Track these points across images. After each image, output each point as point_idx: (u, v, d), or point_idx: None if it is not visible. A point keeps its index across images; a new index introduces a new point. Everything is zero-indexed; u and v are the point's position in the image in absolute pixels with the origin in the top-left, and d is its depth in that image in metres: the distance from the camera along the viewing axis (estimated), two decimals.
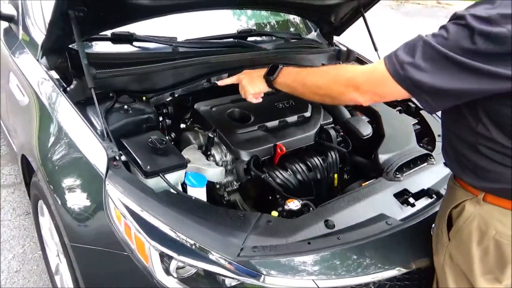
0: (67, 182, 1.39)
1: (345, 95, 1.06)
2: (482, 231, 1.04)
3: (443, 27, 0.88)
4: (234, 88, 1.88)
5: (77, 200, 1.34)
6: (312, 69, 1.22)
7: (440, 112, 1.11)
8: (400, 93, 0.94)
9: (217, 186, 1.53)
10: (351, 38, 2.53)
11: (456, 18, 0.86)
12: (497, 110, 0.92)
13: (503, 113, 0.91)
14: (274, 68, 1.29)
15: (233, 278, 1.12)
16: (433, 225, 1.31)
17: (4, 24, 2.02)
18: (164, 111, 1.68)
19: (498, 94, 0.87)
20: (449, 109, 1.07)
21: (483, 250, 1.05)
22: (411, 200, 1.42)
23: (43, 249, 1.90)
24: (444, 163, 1.18)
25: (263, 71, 1.33)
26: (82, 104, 1.48)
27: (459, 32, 0.83)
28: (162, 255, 1.13)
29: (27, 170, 1.82)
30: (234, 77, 1.45)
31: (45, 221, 1.72)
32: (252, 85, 1.35)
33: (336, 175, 1.65)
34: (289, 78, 1.25)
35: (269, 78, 1.29)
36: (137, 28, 1.72)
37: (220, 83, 1.52)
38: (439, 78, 0.86)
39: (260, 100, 1.41)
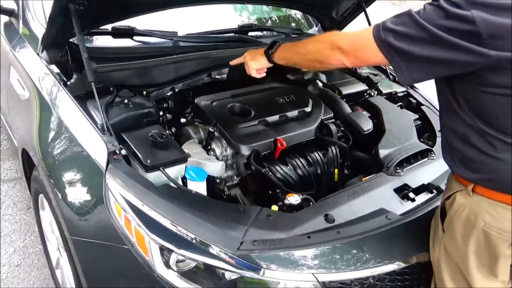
0: (68, 176, 1.39)
1: (331, 57, 1.13)
2: (471, 223, 1.06)
3: (423, 7, 0.97)
4: (234, 83, 1.90)
5: (78, 194, 1.34)
6: (304, 39, 1.29)
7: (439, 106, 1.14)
8: (379, 57, 1.01)
9: (218, 180, 1.53)
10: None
11: (433, 0, 0.97)
12: (473, 96, 0.97)
13: (479, 99, 0.96)
14: (273, 44, 1.39)
15: (233, 271, 1.12)
16: (433, 219, 1.31)
17: (5, 18, 2.01)
18: (165, 106, 1.68)
19: (466, 77, 0.95)
20: (439, 98, 1.11)
21: (475, 243, 1.06)
22: (411, 195, 1.42)
23: (44, 243, 1.90)
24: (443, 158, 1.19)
25: (263, 49, 1.42)
26: (82, 98, 1.48)
27: (433, 10, 0.94)
28: (162, 249, 1.14)
29: (28, 164, 1.82)
30: (241, 57, 1.52)
31: (46, 215, 1.72)
32: (255, 61, 1.43)
33: (336, 170, 1.65)
34: (285, 50, 1.35)
35: (268, 53, 1.38)
36: (137, 22, 1.72)
37: (232, 63, 1.59)
38: (412, 45, 0.95)
39: (264, 75, 1.50)
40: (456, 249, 1.12)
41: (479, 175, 1.03)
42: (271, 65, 1.41)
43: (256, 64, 1.43)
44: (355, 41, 1.09)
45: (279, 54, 1.36)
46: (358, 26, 2.27)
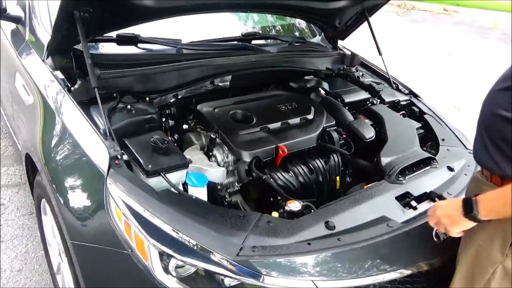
0: (70, 181, 1.40)
1: None
2: None
3: None
4: (237, 90, 1.91)
5: (79, 199, 1.35)
6: None
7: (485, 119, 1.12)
8: None
9: (219, 187, 1.53)
10: (358, 42, 2.53)
11: None
12: None
13: None
14: (469, 203, 1.13)
15: (232, 277, 1.12)
16: (435, 231, 1.29)
17: (12, 25, 2.04)
18: (167, 112, 1.69)
19: None
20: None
21: None
22: (413, 203, 1.41)
23: (45, 248, 1.91)
24: (494, 170, 1.12)
25: (456, 205, 1.15)
26: (86, 104, 1.50)
27: None
28: (161, 254, 1.14)
29: (31, 169, 1.83)
30: (432, 216, 1.23)
31: (48, 220, 1.73)
32: (455, 226, 1.18)
33: (338, 178, 1.65)
34: (496, 202, 1.09)
35: (473, 216, 1.12)
36: (142, 30, 1.74)
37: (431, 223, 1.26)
38: None
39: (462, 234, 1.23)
40: None
41: None
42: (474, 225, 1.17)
43: (458, 228, 1.18)
44: None
45: (488, 209, 1.10)
46: (361, 35, 2.31)
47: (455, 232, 1.20)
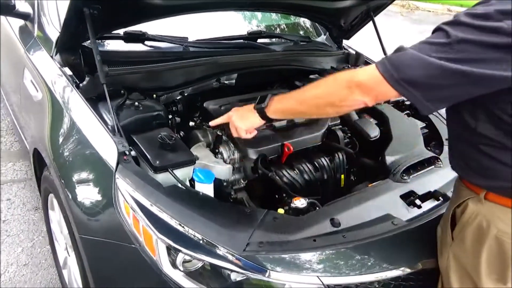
0: (78, 176, 1.41)
1: (348, 97, 1.01)
2: (484, 230, 1.05)
3: (440, 31, 0.91)
4: (242, 88, 1.92)
5: (88, 194, 1.36)
6: (306, 86, 1.15)
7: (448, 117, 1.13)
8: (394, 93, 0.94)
9: (225, 183, 1.54)
10: (363, 42, 2.54)
11: (453, 21, 0.89)
12: (495, 109, 0.94)
13: (500, 111, 0.93)
14: (262, 97, 1.22)
15: (238, 272, 1.13)
16: (438, 226, 1.31)
17: (20, 21, 2.06)
18: (174, 109, 1.70)
19: (494, 94, 0.89)
20: (450, 112, 1.09)
21: (487, 249, 1.05)
22: (418, 201, 1.42)
23: (51, 243, 1.93)
24: (451, 165, 1.19)
25: (252, 105, 1.27)
26: (94, 100, 1.51)
27: (457, 29, 0.85)
28: (169, 248, 1.15)
29: (39, 164, 1.85)
30: (224, 116, 1.37)
31: (55, 214, 1.75)
32: (244, 121, 1.27)
33: (342, 176, 1.66)
34: (283, 102, 1.18)
35: (260, 108, 1.20)
36: (149, 27, 1.75)
37: (212, 123, 1.43)
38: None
39: (255, 133, 1.34)
40: (467, 257, 1.10)
41: (495, 182, 1.01)
42: (262, 123, 1.24)
43: (245, 124, 1.25)
44: (372, 76, 0.96)
45: (275, 106, 1.18)
46: (366, 35, 2.32)
47: (242, 130, 1.25)
